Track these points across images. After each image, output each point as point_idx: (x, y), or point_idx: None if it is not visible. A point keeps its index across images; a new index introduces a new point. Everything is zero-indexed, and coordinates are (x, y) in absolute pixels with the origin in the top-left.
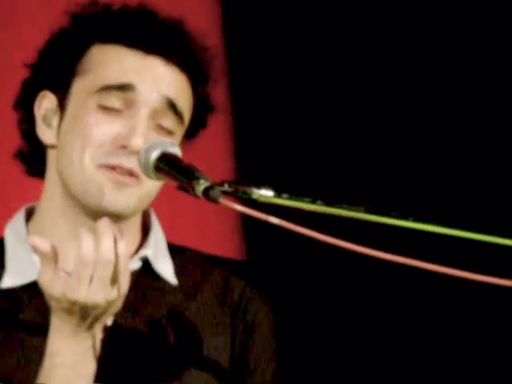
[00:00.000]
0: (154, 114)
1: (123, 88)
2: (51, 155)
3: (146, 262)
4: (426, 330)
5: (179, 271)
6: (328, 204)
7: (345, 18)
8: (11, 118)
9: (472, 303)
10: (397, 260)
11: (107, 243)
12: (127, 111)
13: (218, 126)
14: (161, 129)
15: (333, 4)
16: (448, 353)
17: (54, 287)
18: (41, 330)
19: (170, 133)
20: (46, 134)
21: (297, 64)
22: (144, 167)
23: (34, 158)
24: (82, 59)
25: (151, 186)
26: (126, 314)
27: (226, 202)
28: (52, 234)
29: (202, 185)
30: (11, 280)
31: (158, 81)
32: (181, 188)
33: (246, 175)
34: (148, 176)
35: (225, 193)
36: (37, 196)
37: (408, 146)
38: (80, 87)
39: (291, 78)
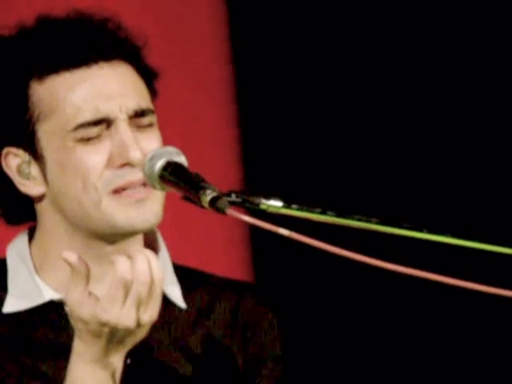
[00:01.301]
0: (131, 120)
1: (99, 122)
2: (43, 203)
3: None
4: (438, 342)
5: (187, 294)
6: (339, 215)
7: (353, 25)
8: None
9: (473, 310)
10: (409, 272)
11: (143, 264)
12: (106, 131)
13: (226, 135)
14: (141, 127)
15: (341, 8)
16: (451, 359)
17: (83, 308)
18: (49, 354)
19: (150, 125)
20: (30, 186)
21: (305, 72)
22: (149, 177)
23: (16, 211)
24: (31, 103)
25: (160, 195)
26: (141, 340)
27: (233, 212)
28: (57, 255)
29: (208, 195)
30: (14, 304)
31: (119, 88)
32: (186, 198)
33: (254, 185)
34: (153, 186)
35: (232, 203)
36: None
37: (421, 156)
38: (48, 131)
39: (299, 87)
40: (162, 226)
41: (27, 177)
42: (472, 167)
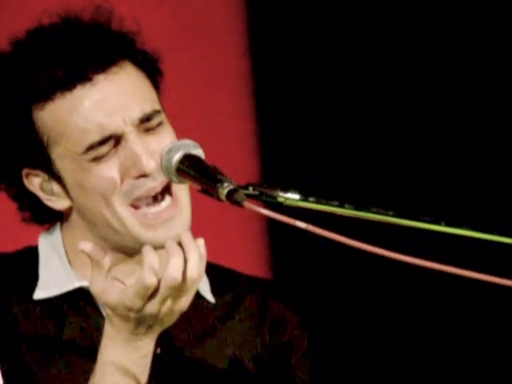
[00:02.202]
0: (139, 127)
1: (107, 140)
2: (71, 213)
3: None
4: (465, 340)
5: (215, 290)
6: (356, 207)
7: (370, 18)
8: None
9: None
10: (426, 265)
11: (175, 266)
12: (117, 146)
13: (243, 128)
14: (151, 129)
15: (359, 7)
16: (478, 356)
17: (110, 296)
18: (78, 339)
19: (159, 125)
20: (55, 201)
21: (323, 65)
22: (166, 169)
23: (46, 219)
24: (38, 128)
25: (186, 197)
26: (169, 331)
27: (250, 205)
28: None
29: (225, 188)
30: (45, 291)
31: (119, 100)
32: (203, 191)
33: (271, 178)
34: (169, 178)
35: (249, 196)
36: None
37: (437, 150)
38: (61, 154)
39: (317, 80)
40: None
41: (51, 193)
42: (483, 160)
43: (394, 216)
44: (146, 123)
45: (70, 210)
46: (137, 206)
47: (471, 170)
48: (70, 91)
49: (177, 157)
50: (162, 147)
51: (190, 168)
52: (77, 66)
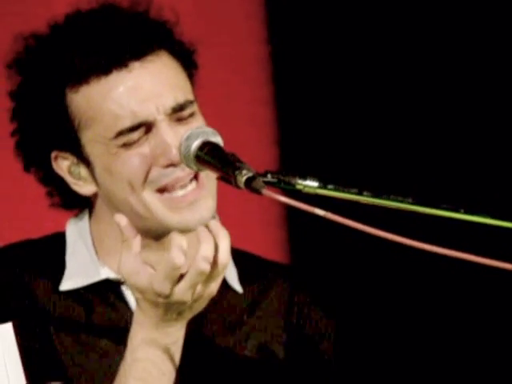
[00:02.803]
0: (171, 117)
1: (138, 127)
2: (97, 199)
3: None
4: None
5: (243, 278)
6: (375, 195)
7: (389, 12)
8: None
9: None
10: (447, 253)
11: (206, 250)
12: (148, 134)
13: (262, 115)
14: (182, 119)
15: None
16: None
17: (139, 278)
18: (104, 331)
19: (191, 115)
20: (82, 186)
21: (342, 51)
22: (184, 157)
23: (73, 203)
24: (70, 112)
25: (212, 185)
26: (197, 320)
27: (269, 193)
28: (114, 240)
29: (244, 175)
30: (71, 282)
31: (153, 88)
32: (222, 178)
33: (289, 165)
34: (188, 166)
35: (268, 183)
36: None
37: (451, 135)
38: (91, 139)
39: (336, 66)
40: None
41: (78, 177)
42: (498, 151)
43: (412, 203)
44: (178, 113)
45: (95, 197)
46: (162, 191)
47: (488, 158)
48: (105, 76)
49: (195, 144)
50: None
51: (208, 155)
52: (114, 52)
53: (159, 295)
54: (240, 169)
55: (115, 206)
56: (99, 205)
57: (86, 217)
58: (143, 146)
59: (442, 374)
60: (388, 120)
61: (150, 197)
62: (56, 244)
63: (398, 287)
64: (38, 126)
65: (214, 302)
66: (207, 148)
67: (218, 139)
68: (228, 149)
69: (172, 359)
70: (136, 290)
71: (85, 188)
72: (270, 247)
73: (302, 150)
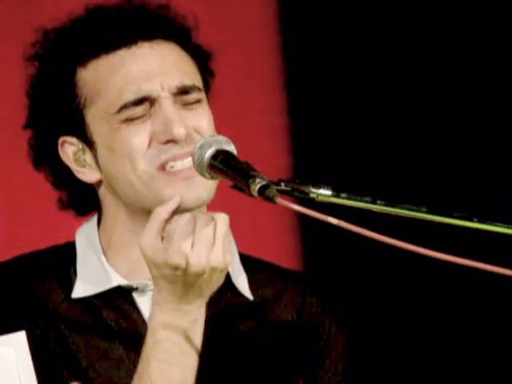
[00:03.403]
0: (175, 97)
1: (142, 101)
2: (101, 189)
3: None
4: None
5: (253, 286)
6: (389, 204)
7: (403, 19)
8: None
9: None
10: (460, 262)
11: (203, 217)
12: (150, 111)
13: (275, 124)
14: (188, 104)
15: (388, 5)
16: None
17: (155, 252)
18: (116, 338)
19: (197, 101)
20: (86, 173)
21: (355, 60)
22: (198, 165)
23: (81, 200)
24: (78, 89)
25: None
26: (209, 330)
27: (282, 201)
28: (120, 240)
29: (257, 184)
30: (83, 289)
31: (160, 67)
32: (235, 187)
33: (303, 173)
34: (202, 174)
35: (281, 192)
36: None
37: (465, 143)
38: (95, 115)
39: (349, 75)
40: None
41: (83, 164)
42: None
43: (426, 212)
44: (183, 95)
45: (99, 184)
46: (162, 169)
47: (503, 167)
48: (114, 52)
49: (209, 153)
50: (198, 124)
51: (222, 164)
52: (125, 30)
53: (176, 268)
54: (254, 177)
55: (116, 191)
56: (104, 196)
57: (94, 224)
58: (145, 124)
59: None
60: (401, 128)
61: (149, 173)
62: (66, 253)
63: (411, 296)
64: (48, 107)
65: (225, 308)
66: (221, 156)
67: (231, 147)
68: (241, 157)
69: (193, 339)
70: (154, 266)
71: (89, 175)
72: (283, 255)
73: (316, 159)
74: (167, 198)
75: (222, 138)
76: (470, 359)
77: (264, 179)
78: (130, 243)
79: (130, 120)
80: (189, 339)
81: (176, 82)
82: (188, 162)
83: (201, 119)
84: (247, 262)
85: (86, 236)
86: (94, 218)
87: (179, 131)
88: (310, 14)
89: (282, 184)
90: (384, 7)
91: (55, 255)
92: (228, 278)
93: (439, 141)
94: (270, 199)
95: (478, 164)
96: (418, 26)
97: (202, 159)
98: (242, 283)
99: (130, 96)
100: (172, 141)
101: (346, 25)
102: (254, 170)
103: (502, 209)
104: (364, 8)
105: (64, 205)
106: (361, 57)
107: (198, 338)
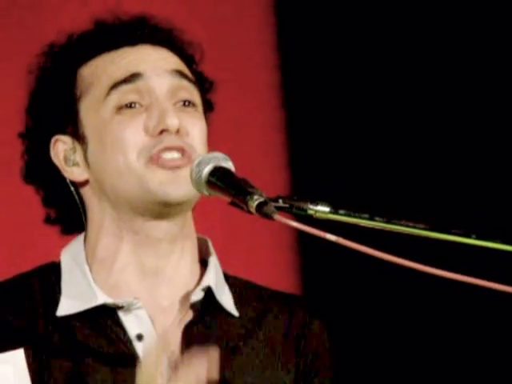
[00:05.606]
0: (171, 93)
1: (132, 78)
2: (88, 190)
3: (207, 293)
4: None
5: (238, 304)
6: (387, 220)
7: (404, 27)
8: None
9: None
10: (459, 279)
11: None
12: (144, 101)
13: (273, 141)
14: (183, 105)
15: (389, 18)
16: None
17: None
18: (100, 359)
19: (192, 105)
20: (74, 173)
21: (353, 77)
22: (196, 182)
23: (68, 216)
24: (76, 85)
25: None
26: (193, 347)
27: (280, 218)
28: (105, 249)
29: (255, 200)
30: (67, 307)
31: (158, 60)
32: (233, 204)
33: (301, 190)
34: (199, 191)
35: (279, 209)
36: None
37: (465, 158)
38: (87, 107)
39: (347, 92)
40: (209, 231)
41: (72, 163)
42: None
43: (425, 229)
44: (179, 90)
45: (86, 184)
46: (152, 160)
47: (504, 183)
48: (115, 50)
49: (207, 169)
50: (191, 126)
51: (219, 181)
52: (127, 33)
53: None
54: (251, 194)
55: (103, 188)
56: (89, 198)
57: (80, 242)
58: (138, 115)
59: None
60: (400, 146)
61: (139, 164)
62: (51, 272)
63: (411, 314)
64: (46, 104)
65: (209, 326)
66: (218, 173)
67: (229, 164)
68: (239, 174)
69: None
70: None
71: (77, 174)
72: (282, 272)
73: (314, 175)
74: (152, 187)
75: (220, 154)
76: (466, 372)
77: (262, 196)
78: (115, 250)
79: (121, 108)
80: None
81: (172, 66)
82: (177, 154)
83: (195, 122)
84: (233, 280)
85: (71, 254)
86: (81, 237)
87: (172, 121)
88: (308, 31)
89: (280, 201)
90: (382, 28)
91: (39, 275)
92: (211, 295)
93: (438, 156)
94: (268, 216)
95: (478, 181)
96: (416, 44)
97: (200, 176)
98: (226, 300)
99: (118, 75)
100: (165, 130)
101: (345, 43)
102: (252, 186)
103: (500, 225)
104: (362, 28)
105: (51, 220)
106: (359, 75)
107: None
